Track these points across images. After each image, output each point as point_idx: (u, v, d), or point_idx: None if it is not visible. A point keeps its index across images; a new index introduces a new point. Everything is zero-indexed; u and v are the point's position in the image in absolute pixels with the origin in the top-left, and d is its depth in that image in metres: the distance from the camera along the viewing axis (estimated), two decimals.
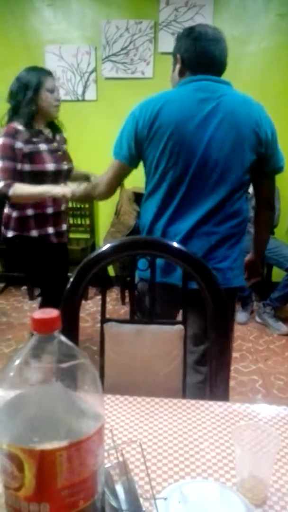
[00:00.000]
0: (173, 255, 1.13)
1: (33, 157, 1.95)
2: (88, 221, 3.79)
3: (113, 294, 3.69)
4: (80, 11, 3.40)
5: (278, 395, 2.38)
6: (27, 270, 2.48)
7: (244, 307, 3.30)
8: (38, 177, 1.97)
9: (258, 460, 0.67)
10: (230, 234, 1.47)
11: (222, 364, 1.11)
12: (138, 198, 3.18)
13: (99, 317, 1.19)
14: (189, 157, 1.39)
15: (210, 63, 1.43)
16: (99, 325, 1.17)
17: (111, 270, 3.75)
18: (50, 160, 1.99)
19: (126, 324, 1.16)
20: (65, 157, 2.12)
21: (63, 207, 2.05)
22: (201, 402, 0.93)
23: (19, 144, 1.93)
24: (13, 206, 2.05)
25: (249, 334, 3.09)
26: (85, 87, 3.54)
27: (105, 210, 3.74)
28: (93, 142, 3.39)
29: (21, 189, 1.92)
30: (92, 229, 3.81)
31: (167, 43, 3.24)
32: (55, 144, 2.06)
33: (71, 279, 1.11)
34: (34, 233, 2.06)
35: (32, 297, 3.61)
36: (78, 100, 3.57)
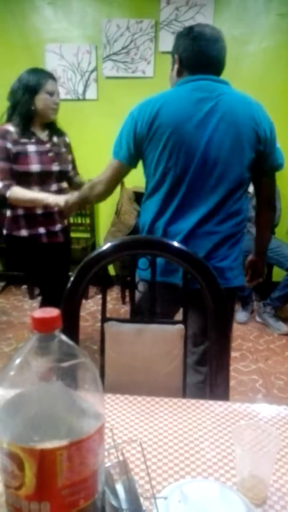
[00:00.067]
0: (173, 255, 1.13)
1: (18, 157, 1.98)
2: (88, 221, 3.79)
3: (114, 294, 3.69)
4: (81, 9, 3.40)
5: (278, 394, 2.38)
6: (23, 269, 2.51)
7: (244, 306, 3.30)
8: (22, 178, 2.00)
9: (258, 459, 0.67)
10: (231, 233, 1.48)
11: (222, 363, 1.11)
12: (138, 197, 3.18)
13: (99, 316, 1.19)
14: (189, 157, 1.39)
15: (208, 63, 1.43)
16: (99, 324, 1.17)
17: (111, 270, 3.75)
18: (36, 161, 2.01)
19: (126, 324, 1.16)
20: (60, 159, 2.10)
21: (56, 208, 2.05)
22: (201, 401, 0.93)
23: (8, 145, 1.97)
24: (8, 205, 2.08)
25: (249, 333, 3.09)
26: (85, 86, 3.54)
27: (105, 210, 3.74)
28: (93, 141, 3.39)
29: (19, 192, 1.97)
30: (92, 228, 3.81)
31: (168, 42, 3.24)
32: (47, 146, 2.06)
33: (72, 278, 1.12)
34: (24, 232, 2.10)
35: (32, 296, 3.61)
36: (78, 99, 3.57)
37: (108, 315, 1.16)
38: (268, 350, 2.85)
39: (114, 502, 0.62)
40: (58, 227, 2.15)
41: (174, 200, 1.44)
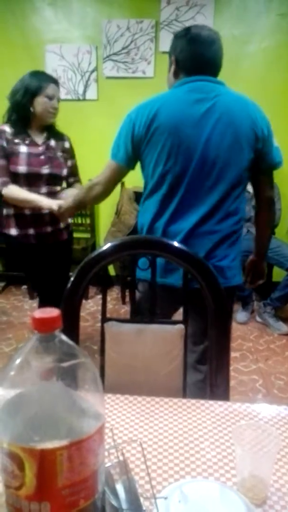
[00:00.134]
0: (173, 255, 1.13)
1: (9, 157, 2.02)
2: (88, 221, 3.79)
3: (114, 294, 3.69)
4: (81, 10, 3.40)
5: (279, 394, 2.38)
6: (19, 268, 2.57)
7: (245, 306, 3.30)
8: (11, 178, 2.03)
9: (259, 459, 0.67)
10: (230, 232, 1.48)
11: (223, 363, 1.11)
12: (138, 197, 3.17)
13: (99, 317, 1.19)
14: (188, 158, 1.40)
15: (204, 65, 1.44)
16: (99, 324, 1.17)
17: (111, 270, 3.75)
18: (24, 163, 2.02)
19: (126, 324, 1.16)
20: (52, 163, 2.09)
21: (46, 210, 2.06)
22: (202, 401, 0.93)
23: (4, 143, 2.01)
24: (3, 202, 2.11)
25: (249, 333, 3.09)
26: (86, 87, 3.54)
27: (105, 210, 3.74)
28: (94, 141, 3.39)
29: (14, 191, 2.01)
30: (92, 228, 3.81)
31: (168, 42, 3.17)
32: (40, 149, 2.07)
33: (72, 278, 1.12)
34: (14, 231, 2.13)
35: (32, 296, 3.61)
36: (79, 100, 3.57)
37: (108, 315, 1.16)
38: (268, 350, 2.85)
39: (114, 502, 0.62)
40: (49, 229, 2.15)
41: (173, 200, 1.45)
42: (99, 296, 3.50)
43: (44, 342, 0.52)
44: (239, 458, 0.69)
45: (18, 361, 0.52)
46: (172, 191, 1.44)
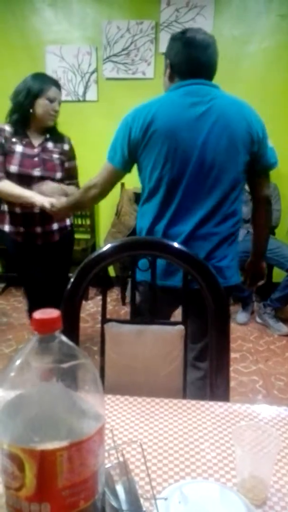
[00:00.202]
0: (174, 256, 1.13)
1: (5, 156, 2.05)
2: (88, 222, 3.79)
3: (114, 295, 3.69)
4: (81, 11, 3.40)
5: (279, 395, 2.38)
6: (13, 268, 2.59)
7: (245, 307, 3.29)
8: (4, 174, 2.06)
9: (259, 460, 0.67)
10: (229, 234, 1.49)
11: (223, 364, 1.11)
12: (138, 198, 3.16)
13: (99, 318, 1.19)
14: (185, 161, 1.40)
15: (198, 69, 1.44)
16: (99, 325, 1.17)
17: (111, 271, 3.75)
18: (17, 163, 2.04)
19: (126, 325, 1.16)
20: (46, 165, 2.09)
21: (37, 210, 2.05)
22: (202, 402, 0.93)
23: (2, 141, 2.04)
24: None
25: (249, 334, 3.09)
26: (86, 88, 3.54)
27: (105, 211, 3.74)
28: (94, 142, 3.38)
29: (7, 186, 2.04)
30: (92, 229, 3.81)
31: None
32: (35, 150, 2.07)
33: (72, 279, 1.12)
34: (7, 228, 2.18)
35: None
36: (79, 101, 3.57)
37: (108, 316, 1.17)
38: (268, 351, 2.85)
39: (114, 503, 0.62)
40: (38, 230, 2.15)
41: (172, 204, 1.45)
42: (99, 297, 3.50)
43: (44, 343, 0.52)
44: (239, 459, 0.69)
45: (18, 362, 0.52)
46: (170, 195, 1.44)
